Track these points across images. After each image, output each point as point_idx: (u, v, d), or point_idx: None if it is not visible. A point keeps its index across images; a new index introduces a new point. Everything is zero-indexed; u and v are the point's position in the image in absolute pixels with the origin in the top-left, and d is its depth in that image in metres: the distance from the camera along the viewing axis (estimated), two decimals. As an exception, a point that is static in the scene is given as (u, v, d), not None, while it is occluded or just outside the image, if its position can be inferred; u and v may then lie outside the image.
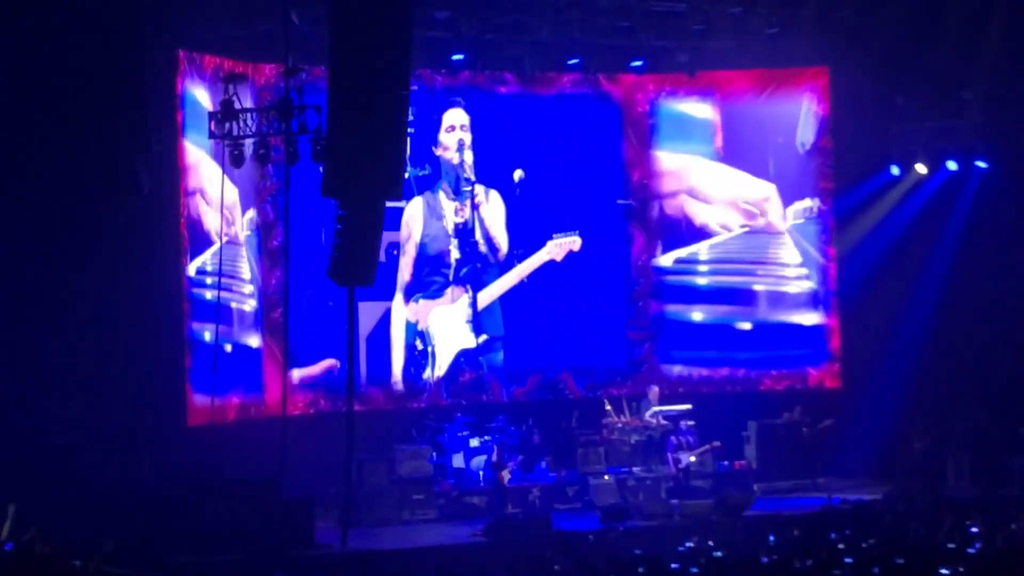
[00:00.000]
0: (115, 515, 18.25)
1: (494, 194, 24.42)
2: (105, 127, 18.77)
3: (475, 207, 24.14)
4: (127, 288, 19.84)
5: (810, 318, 25.17)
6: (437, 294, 24.17)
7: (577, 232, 24.71)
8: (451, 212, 24.15)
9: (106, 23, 18.76)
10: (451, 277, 24.18)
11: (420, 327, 24.06)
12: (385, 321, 23.89)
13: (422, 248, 24.10)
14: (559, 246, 24.69)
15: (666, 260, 25.27)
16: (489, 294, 24.41)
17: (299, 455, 20.50)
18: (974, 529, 16.66)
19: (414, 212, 24.04)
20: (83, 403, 19.22)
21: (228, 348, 22.01)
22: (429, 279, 24.15)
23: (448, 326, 24.16)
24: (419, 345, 24.04)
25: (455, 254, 24.17)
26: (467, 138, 24.11)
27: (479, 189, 24.10)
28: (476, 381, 24.27)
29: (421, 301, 24.10)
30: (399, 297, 23.96)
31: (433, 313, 24.13)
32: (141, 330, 20.10)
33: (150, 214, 20.19)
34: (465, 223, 24.06)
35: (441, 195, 24.15)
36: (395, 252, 23.76)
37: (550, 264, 24.69)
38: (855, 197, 25.14)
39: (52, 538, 16.44)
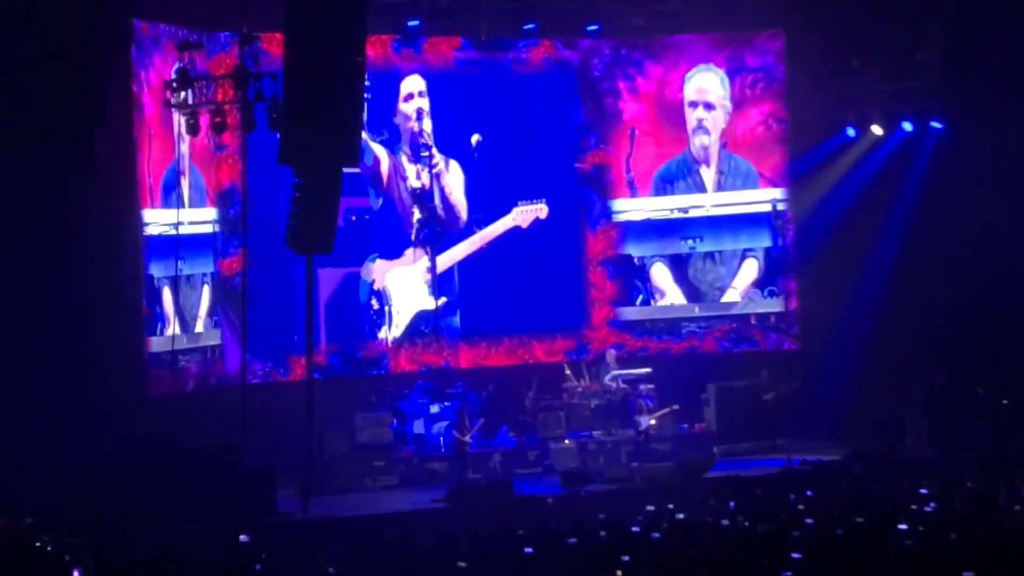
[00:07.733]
0: (75, 486, 18.20)
1: (453, 164, 24.40)
2: (60, 96, 18.63)
3: (436, 176, 24.11)
4: (85, 258, 19.75)
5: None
6: (396, 254, 24.14)
7: (544, 200, 24.71)
8: (413, 175, 24.08)
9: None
10: (412, 237, 24.14)
11: (377, 287, 24.05)
12: (344, 288, 23.85)
13: (386, 203, 24.09)
14: (525, 213, 24.67)
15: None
16: (449, 257, 24.38)
17: (259, 424, 20.47)
18: (925, 491, 16.78)
19: (380, 155, 23.99)
20: (43, 375, 19.12)
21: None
22: (390, 237, 24.12)
23: (407, 287, 24.13)
24: (375, 304, 24.02)
25: (416, 215, 24.12)
26: (425, 105, 24.09)
27: (439, 157, 24.09)
28: (434, 344, 24.25)
29: (378, 261, 24.08)
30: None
31: (391, 273, 24.10)
32: (100, 301, 19.99)
33: (106, 187, 20.06)
34: (424, 188, 24.01)
35: (403, 157, 24.11)
36: (352, 218, 23.70)
37: (510, 229, 24.68)
38: (811, 159, 25.18)
39: (13, 510, 16.41)
